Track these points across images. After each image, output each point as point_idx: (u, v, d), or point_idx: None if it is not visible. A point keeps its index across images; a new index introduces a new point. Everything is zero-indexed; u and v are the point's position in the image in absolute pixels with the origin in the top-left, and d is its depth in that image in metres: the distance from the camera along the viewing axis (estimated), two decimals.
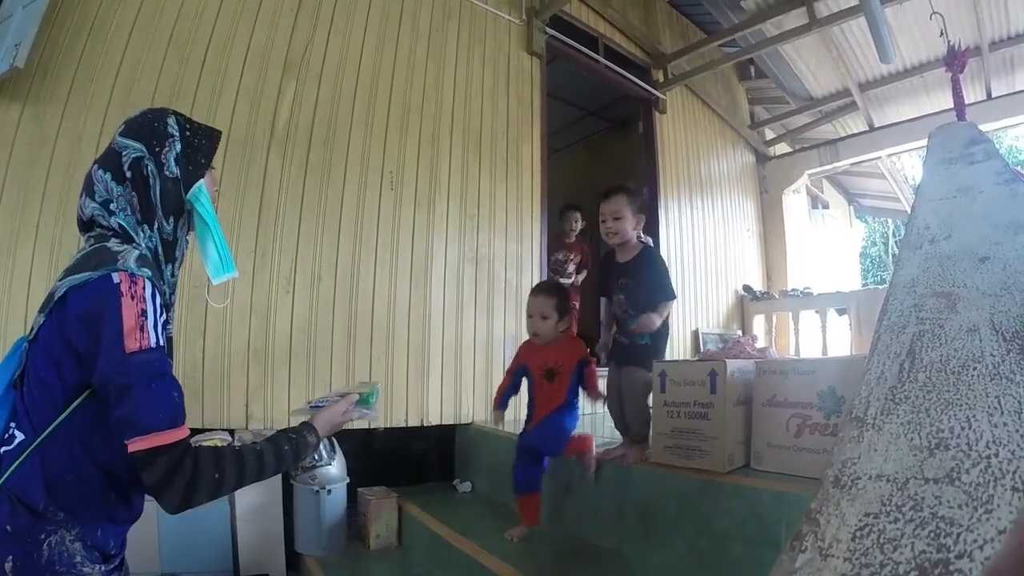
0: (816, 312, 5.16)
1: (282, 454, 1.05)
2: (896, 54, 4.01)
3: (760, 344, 3.90)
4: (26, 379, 0.93)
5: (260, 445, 1.03)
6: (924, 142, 1.90)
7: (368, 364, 2.87)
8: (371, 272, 2.94)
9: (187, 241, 1.10)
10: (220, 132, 1.16)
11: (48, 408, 0.90)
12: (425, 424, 3.05)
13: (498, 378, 2.57)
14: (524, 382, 2.27)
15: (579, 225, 4.19)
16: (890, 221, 13.53)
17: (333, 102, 2.92)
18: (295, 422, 1.18)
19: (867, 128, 5.55)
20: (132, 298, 0.89)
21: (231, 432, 2.48)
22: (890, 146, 5.58)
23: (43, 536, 0.87)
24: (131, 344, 0.87)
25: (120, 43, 2.38)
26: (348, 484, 2.58)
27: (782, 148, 6.42)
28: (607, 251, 2.23)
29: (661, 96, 4.89)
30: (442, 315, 3.18)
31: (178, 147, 1.05)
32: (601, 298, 2.29)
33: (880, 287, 6.58)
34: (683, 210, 5.01)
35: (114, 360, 0.86)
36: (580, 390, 2.20)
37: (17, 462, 0.88)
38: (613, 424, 2.19)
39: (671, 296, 2.04)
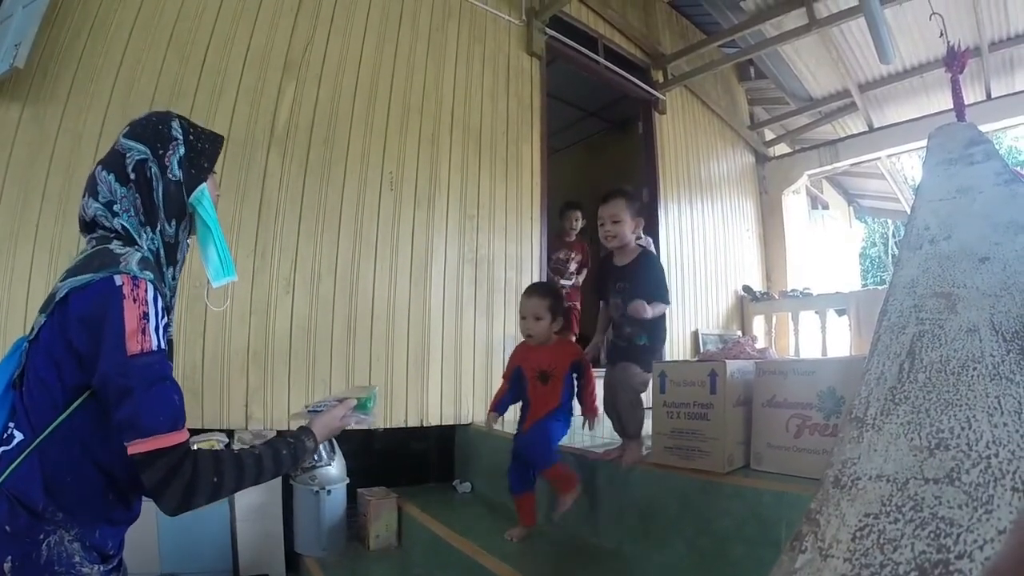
0: (816, 313, 5.16)
1: (280, 458, 1.05)
2: (896, 55, 4.01)
3: (760, 345, 3.90)
4: (26, 379, 0.93)
5: (258, 449, 1.04)
6: (924, 143, 1.90)
7: (368, 364, 2.88)
8: (371, 272, 2.94)
9: (188, 244, 1.10)
10: (223, 137, 1.16)
11: (48, 408, 0.90)
12: (425, 424, 3.05)
13: (498, 378, 2.57)
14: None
15: (579, 224, 4.17)
16: (890, 222, 13.53)
17: (333, 102, 2.92)
18: (294, 426, 1.18)
19: (867, 129, 5.55)
20: (134, 301, 0.89)
21: (230, 432, 2.48)
22: (890, 147, 5.58)
23: (42, 536, 0.87)
24: (132, 347, 0.87)
25: (120, 43, 2.39)
26: (348, 484, 2.57)
27: (782, 149, 6.42)
28: (605, 254, 2.23)
29: (661, 97, 4.89)
30: (442, 315, 3.18)
31: (182, 150, 1.05)
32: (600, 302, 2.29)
33: (880, 288, 6.58)
34: (683, 211, 5.01)
35: (115, 362, 0.86)
36: (574, 393, 2.20)
37: (16, 462, 0.88)
38: (612, 426, 2.18)
39: (666, 301, 2.04)
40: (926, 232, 1.43)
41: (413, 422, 3.00)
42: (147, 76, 2.42)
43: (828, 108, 5.64)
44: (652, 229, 4.53)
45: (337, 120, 2.92)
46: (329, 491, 2.45)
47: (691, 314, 4.91)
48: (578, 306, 4.05)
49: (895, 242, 14.17)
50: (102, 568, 0.93)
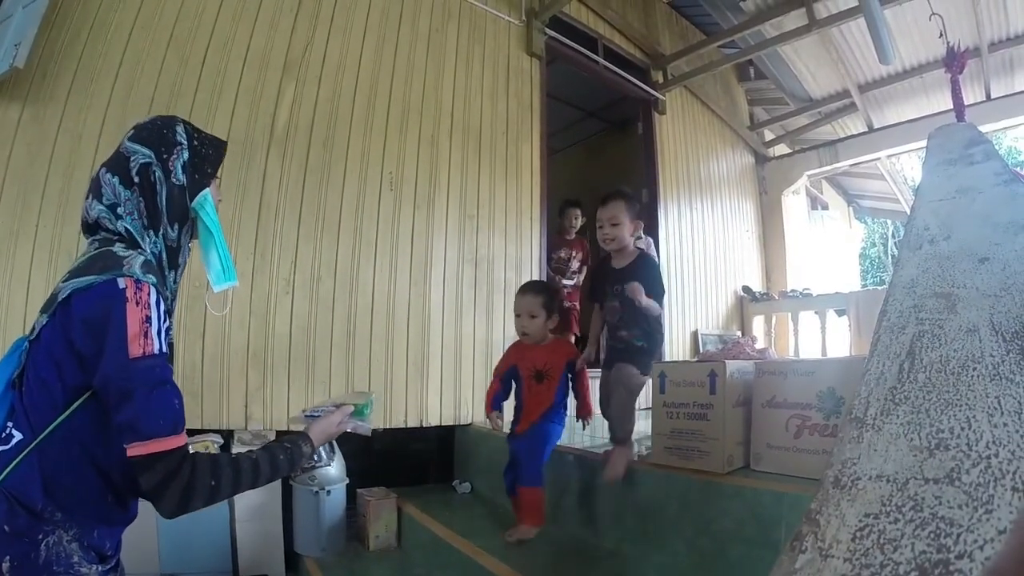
0: (815, 313, 5.17)
1: (277, 463, 1.06)
2: (895, 55, 4.01)
3: (759, 345, 3.90)
4: (26, 379, 0.93)
5: (256, 454, 1.05)
6: (923, 143, 1.90)
7: (367, 364, 2.87)
8: (370, 272, 2.94)
9: (189, 248, 1.11)
10: (226, 143, 1.17)
11: (48, 409, 0.90)
12: (424, 425, 3.04)
13: None
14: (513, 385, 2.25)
15: (579, 222, 4.16)
16: (889, 222, 13.53)
17: (333, 102, 2.92)
18: (294, 429, 1.19)
19: (866, 129, 5.56)
20: (137, 304, 0.90)
21: (230, 432, 2.48)
22: (889, 147, 5.58)
23: (41, 536, 0.87)
24: (135, 350, 0.88)
25: (120, 43, 2.38)
26: (347, 485, 2.57)
27: (781, 149, 6.42)
28: (603, 256, 2.22)
29: (660, 97, 4.89)
30: (441, 316, 3.18)
31: (185, 155, 1.06)
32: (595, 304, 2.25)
33: (879, 288, 6.58)
34: (682, 211, 5.01)
35: (117, 365, 0.87)
36: (569, 393, 2.19)
37: (15, 462, 0.88)
38: (608, 427, 2.18)
39: (661, 303, 2.03)
40: (926, 232, 1.43)
41: (413, 422, 3.00)
42: (147, 76, 2.42)
43: (828, 109, 5.64)
44: (652, 229, 4.53)
45: (337, 120, 2.92)
46: (329, 491, 2.45)
47: (691, 314, 4.91)
48: (578, 306, 4.04)
49: (895, 242, 14.18)
50: (100, 568, 0.93)
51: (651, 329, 2.06)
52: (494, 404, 2.24)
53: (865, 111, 5.34)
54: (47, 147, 2.22)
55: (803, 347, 5.26)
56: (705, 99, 5.45)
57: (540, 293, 2.16)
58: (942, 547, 0.77)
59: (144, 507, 1.03)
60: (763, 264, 5.98)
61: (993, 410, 0.91)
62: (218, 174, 1.14)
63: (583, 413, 2.22)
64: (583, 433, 2.53)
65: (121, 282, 0.90)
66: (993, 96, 4.85)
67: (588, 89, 5.05)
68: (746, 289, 5.52)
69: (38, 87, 2.23)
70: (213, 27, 2.60)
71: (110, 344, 0.87)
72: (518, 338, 2.28)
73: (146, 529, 2.06)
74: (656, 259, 4.17)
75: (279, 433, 2.52)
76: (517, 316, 2.18)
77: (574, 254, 4.14)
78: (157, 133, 1.05)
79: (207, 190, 1.09)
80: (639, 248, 2.14)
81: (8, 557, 0.84)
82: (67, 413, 0.90)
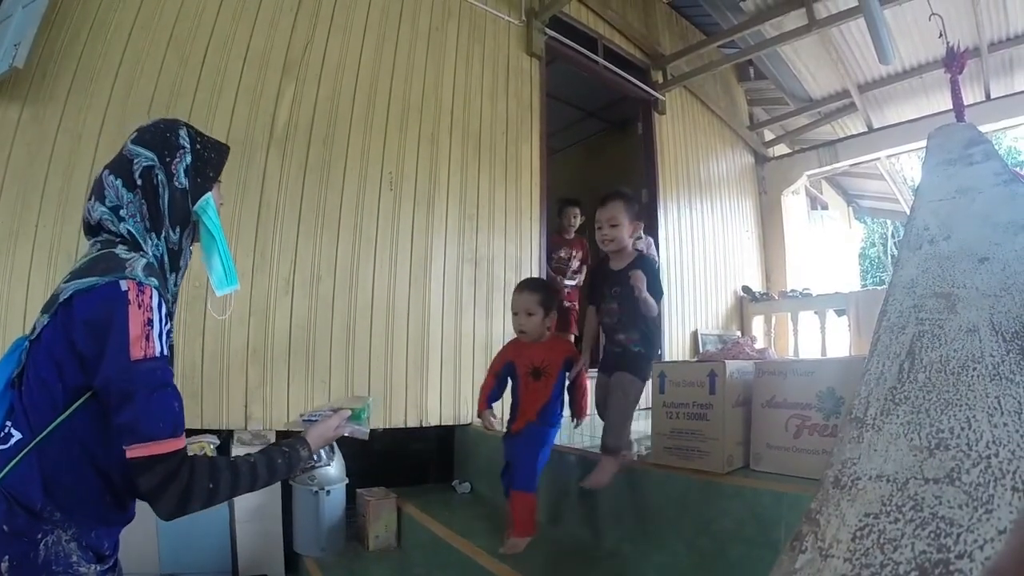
0: (815, 313, 5.17)
1: (275, 467, 1.07)
2: (895, 55, 4.02)
3: (759, 345, 3.90)
4: (25, 378, 0.93)
5: (254, 457, 1.05)
6: (923, 143, 1.90)
7: (367, 364, 2.87)
8: (370, 271, 2.94)
9: (190, 251, 1.11)
10: (229, 147, 1.18)
11: (48, 409, 0.90)
12: (424, 425, 3.04)
13: None
14: (508, 384, 2.23)
15: (578, 220, 4.16)
16: (889, 222, 13.55)
17: (332, 102, 2.91)
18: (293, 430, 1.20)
19: (866, 129, 5.56)
20: (139, 307, 0.90)
21: (230, 432, 2.48)
22: (889, 147, 5.59)
23: (40, 536, 0.87)
24: (136, 352, 0.88)
25: (119, 43, 2.38)
26: (347, 485, 2.57)
27: (781, 149, 6.42)
28: (601, 257, 2.20)
29: (660, 97, 4.89)
30: (441, 315, 3.18)
31: (188, 159, 1.06)
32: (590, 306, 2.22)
33: (879, 288, 6.58)
34: (682, 211, 5.01)
35: (119, 366, 0.88)
36: (565, 392, 2.17)
37: (14, 461, 0.88)
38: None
39: (659, 303, 2.01)
40: (926, 232, 1.43)
41: (412, 422, 3.00)
42: (146, 76, 2.41)
43: (827, 109, 5.64)
44: (651, 230, 4.53)
45: (336, 120, 2.92)
46: (328, 491, 2.45)
47: (690, 314, 4.91)
48: (577, 306, 4.04)
49: (894, 242, 14.19)
50: (98, 568, 0.94)
51: (649, 332, 2.03)
52: (488, 401, 2.20)
53: (865, 111, 5.34)
54: (47, 147, 2.22)
55: (803, 347, 5.26)
56: (705, 99, 5.45)
57: (537, 291, 2.14)
58: (942, 547, 0.77)
59: (143, 507, 1.03)
60: (763, 264, 5.99)
61: (993, 410, 0.91)
62: (220, 178, 1.15)
63: (578, 414, 2.20)
64: (584, 433, 2.53)
65: (123, 284, 0.91)
66: (993, 96, 4.85)
67: (588, 89, 5.05)
68: (746, 289, 5.52)
69: (38, 87, 2.23)
70: (213, 26, 2.60)
71: (112, 346, 0.88)
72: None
73: (146, 529, 2.06)
74: (656, 259, 4.18)
75: (279, 433, 2.52)
76: (514, 314, 2.16)
77: (574, 253, 4.13)
78: (160, 136, 1.05)
79: (209, 194, 1.10)
80: (638, 250, 2.12)
81: (7, 557, 0.85)
82: (67, 413, 0.90)
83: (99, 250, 0.99)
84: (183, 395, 0.96)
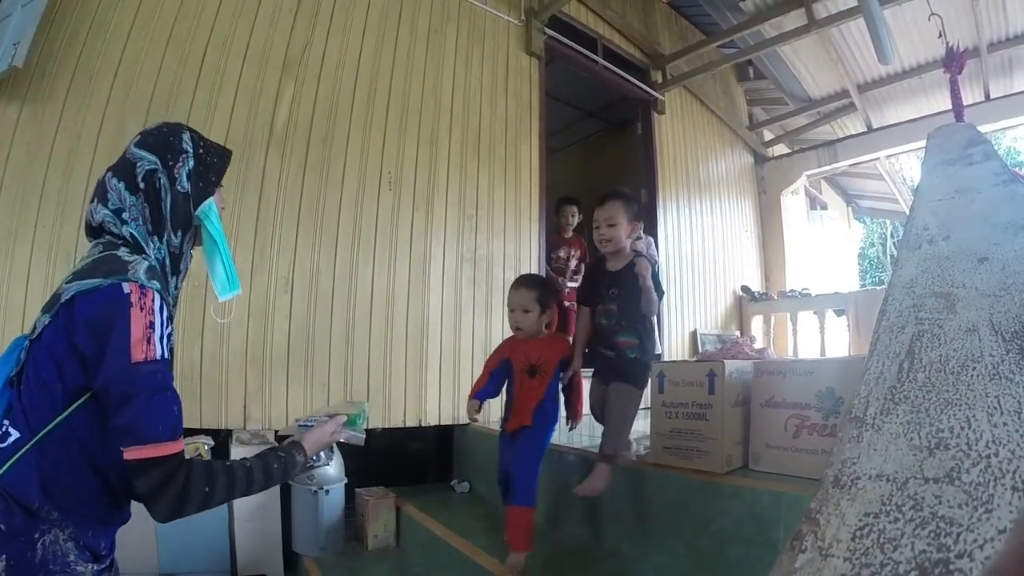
0: (814, 313, 5.17)
1: (271, 471, 1.07)
2: (895, 55, 4.02)
3: (758, 345, 3.91)
4: (25, 377, 0.93)
5: (250, 462, 1.06)
6: (922, 143, 1.90)
7: (366, 364, 2.87)
8: (369, 271, 2.94)
9: (191, 255, 1.12)
10: (231, 152, 1.19)
11: (47, 408, 0.90)
12: (423, 424, 3.04)
13: None
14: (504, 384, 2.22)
15: (576, 219, 4.15)
16: (888, 222, 13.55)
17: (332, 101, 2.91)
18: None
19: (865, 129, 5.56)
20: (141, 309, 0.91)
21: (229, 433, 2.47)
22: (888, 147, 5.59)
23: (37, 535, 0.87)
24: (137, 354, 0.89)
25: (119, 42, 2.38)
26: (346, 484, 2.57)
27: (780, 149, 6.43)
28: (598, 258, 2.19)
29: (660, 97, 4.90)
30: (440, 315, 3.17)
31: (191, 163, 1.07)
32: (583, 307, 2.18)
33: (878, 288, 6.59)
34: (681, 211, 5.01)
35: (120, 368, 0.88)
36: (560, 390, 2.15)
37: (11, 460, 0.88)
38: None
39: (658, 301, 2.00)
40: (925, 232, 1.43)
41: (412, 422, 2.99)
42: (146, 75, 2.41)
43: (827, 109, 5.65)
44: (651, 229, 4.53)
45: (336, 119, 2.91)
46: (327, 491, 2.45)
47: (689, 314, 4.91)
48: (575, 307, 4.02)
49: (894, 242, 14.20)
50: (95, 567, 0.94)
51: (647, 334, 2.02)
52: (478, 394, 2.14)
53: (864, 111, 5.34)
54: (46, 146, 2.21)
55: (802, 347, 5.26)
56: (704, 99, 5.45)
57: (533, 287, 2.12)
58: (942, 546, 0.77)
59: (142, 508, 1.03)
60: (762, 264, 5.99)
61: (993, 410, 0.91)
62: (222, 182, 1.15)
63: (573, 416, 2.19)
64: (583, 433, 2.53)
65: (126, 287, 0.91)
66: (992, 96, 4.85)
67: (587, 89, 5.05)
68: (745, 289, 5.52)
69: (37, 86, 2.22)
70: (212, 26, 2.60)
71: (113, 348, 0.88)
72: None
73: (145, 529, 2.05)
74: (656, 259, 4.18)
75: (277, 434, 2.52)
76: (511, 311, 2.14)
77: (573, 253, 4.13)
78: (163, 140, 1.06)
79: (211, 198, 1.10)
80: (636, 251, 2.10)
81: (4, 556, 0.85)
82: (66, 413, 0.90)
83: (101, 252, 0.99)
84: (182, 395, 0.96)
